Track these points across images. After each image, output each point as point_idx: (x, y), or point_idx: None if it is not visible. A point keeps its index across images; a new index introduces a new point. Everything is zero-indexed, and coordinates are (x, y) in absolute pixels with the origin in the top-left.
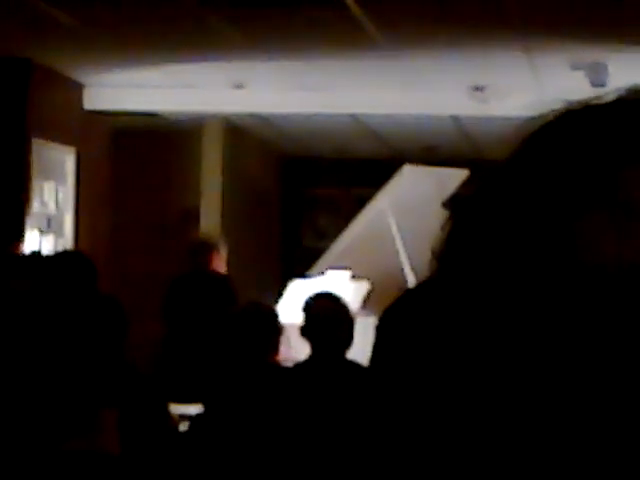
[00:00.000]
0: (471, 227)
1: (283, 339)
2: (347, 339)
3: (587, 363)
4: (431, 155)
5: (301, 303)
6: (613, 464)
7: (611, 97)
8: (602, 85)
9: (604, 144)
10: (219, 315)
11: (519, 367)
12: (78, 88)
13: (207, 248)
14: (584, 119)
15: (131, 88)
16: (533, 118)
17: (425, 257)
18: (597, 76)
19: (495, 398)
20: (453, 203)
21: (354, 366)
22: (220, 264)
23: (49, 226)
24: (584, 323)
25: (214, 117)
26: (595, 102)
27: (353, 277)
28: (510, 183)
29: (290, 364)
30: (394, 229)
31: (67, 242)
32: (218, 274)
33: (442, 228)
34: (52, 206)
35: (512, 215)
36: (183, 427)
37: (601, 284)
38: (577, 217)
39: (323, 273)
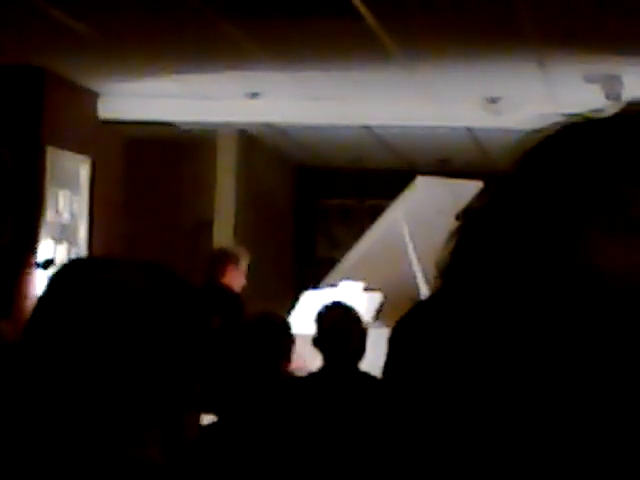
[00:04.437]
0: (476, 241)
1: (295, 349)
2: (359, 350)
3: (593, 373)
4: (445, 167)
5: (314, 314)
6: (613, 465)
7: (612, 110)
8: (617, 97)
9: (611, 159)
10: (227, 326)
11: (530, 380)
12: (93, 97)
13: (223, 260)
14: (589, 133)
15: (146, 98)
16: (538, 130)
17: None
18: (611, 88)
19: (508, 411)
20: (460, 216)
21: (366, 377)
22: (235, 276)
23: (63, 235)
24: (590, 332)
25: (228, 127)
26: (598, 115)
27: (366, 288)
28: (513, 197)
29: (302, 374)
30: (408, 240)
31: (81, 251)
32: (224, 287)
33: (447, 241)
34: (66, 215)
35: (517, 228)
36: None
37: (608, 298)
38: (582, 231)
39: (336, 284)
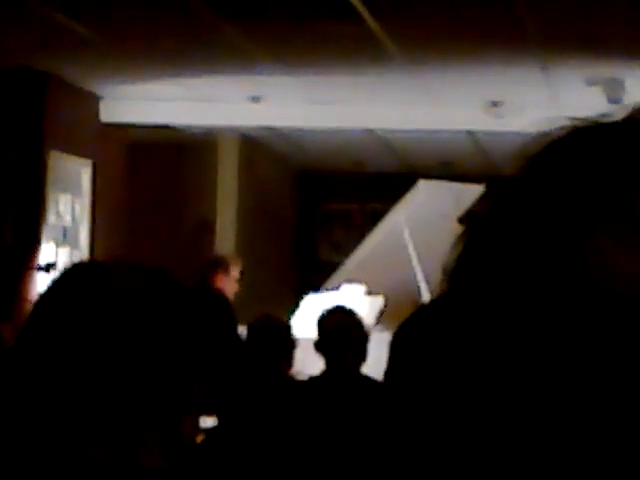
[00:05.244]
0: (482, 245)
1: (297, 353)
2: (361, 354)
3: (599, 377)
4: (447, 170)
5: (315, 318)
6: (613, 465)
7: (620, 115)
8: (618, 101)
9: (616, 163)
10: (219, 332)
11: (533, 386)
12: (95, 100)
13: (213, 267)
14: (596, 137)
15: (148, 101)
16: (543, 134)
17: (440, 273)
18: (613, 92)
19: (509, 415)
20: (466, 220)
21: (368, 381)
22: (225, 283)
23: (65, 238)
24: (594, 337)
25: (230, 130)
26: (604, 120)
27: (368, 292)
28: (520, 201)
29: (304, 378)
30: (409, 244)
31: (83, 254)
32: (214, 292)
33: (453, 246)
34: (68, 218)
35: (523, 233)
36: (198, 439)
37: (612, 301)
38: (589, 235)
39: (338, 287)
